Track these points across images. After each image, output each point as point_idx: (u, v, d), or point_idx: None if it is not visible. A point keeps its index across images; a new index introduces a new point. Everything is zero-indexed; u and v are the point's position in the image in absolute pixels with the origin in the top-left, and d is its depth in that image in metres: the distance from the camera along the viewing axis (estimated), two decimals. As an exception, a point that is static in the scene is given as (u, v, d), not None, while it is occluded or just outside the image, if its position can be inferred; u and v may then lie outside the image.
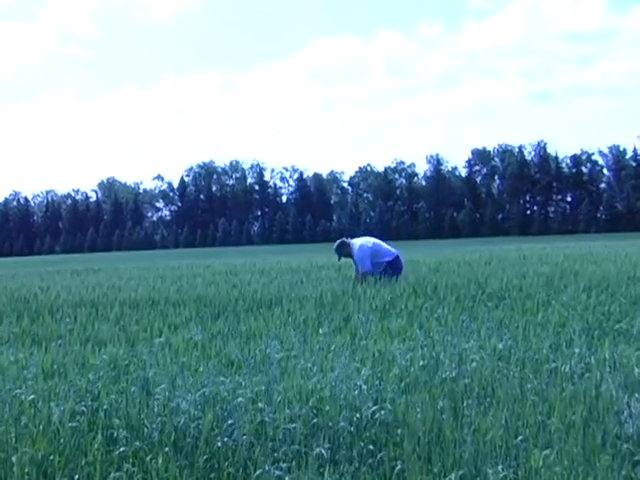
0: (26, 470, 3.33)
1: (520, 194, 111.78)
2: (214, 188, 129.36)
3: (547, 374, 4.50)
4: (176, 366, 5.10)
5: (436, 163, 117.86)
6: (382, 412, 3.79)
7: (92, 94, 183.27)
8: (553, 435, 3.45)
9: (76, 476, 3.30)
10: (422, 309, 7.49)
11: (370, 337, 6.01)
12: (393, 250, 10.99)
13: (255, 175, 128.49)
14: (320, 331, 6.40)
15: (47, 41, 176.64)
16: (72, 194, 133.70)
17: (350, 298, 8.60)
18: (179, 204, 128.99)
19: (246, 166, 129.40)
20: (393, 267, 10.65)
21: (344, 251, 11.01)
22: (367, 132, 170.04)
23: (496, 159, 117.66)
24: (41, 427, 3.73)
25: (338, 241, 11.28)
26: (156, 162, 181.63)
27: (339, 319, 7.04)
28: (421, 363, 4.83)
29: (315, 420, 3.74)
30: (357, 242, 10.88)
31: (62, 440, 3.58)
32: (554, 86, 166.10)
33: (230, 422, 3.71)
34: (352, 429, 3.63)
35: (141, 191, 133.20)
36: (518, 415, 3.71)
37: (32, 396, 4.29)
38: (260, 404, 3.97)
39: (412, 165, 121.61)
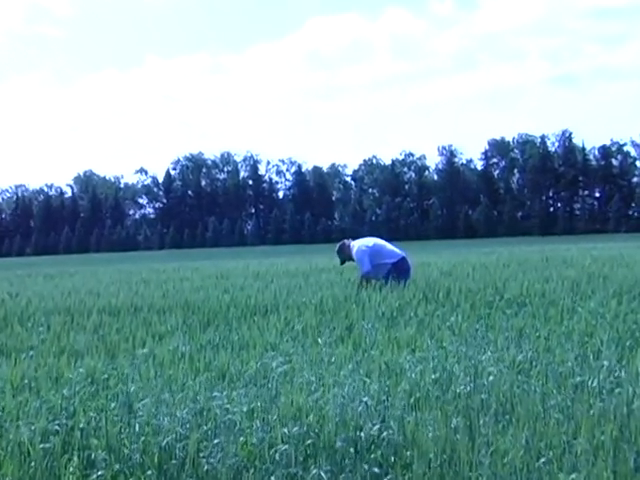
0: (-7, 496, 3.32)
1: (542, 189, 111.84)
2: (203, 183, 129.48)
3: (572, 389, 4.49)
4: (161, 380, 5.10)
5: (449, 155, 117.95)
6: (389, 431, 3.79)
7: (66, 78, 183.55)
8: (580, 457, 3.44)
9: (49, 502, 3.29)
10: (433, 317, 7.50)
11: (376, 348, 6.02)
12: (398, 251, 11.01)
13: (249, 168, 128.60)
14: (320, 341, 6.40)
15: (14, 19, 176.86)
16: (45, 189, 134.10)
17: (354, 304, 8.61)
18: (164, 200, 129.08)
19: (239, 158, 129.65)
20: (399, 270, 10.67)
21: (345, 254, 11.06)
22: (372, 121, 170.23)
23: (515, 151, 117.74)
24: (9, 449, 3.73)
25: (339, 243, 11.34)
26: (139, 154, 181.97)
27: (341, 328, 7.04)
28: (433, 376, 4.83)
29: (314, 440, 3.74)
30: (357, 243, 10.93)
31: (33, 463, 3.57)
32: (580, 69, 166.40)
33: (220, 441, 3.70)
34: (355, 449, 3.62)
35: (122, 186, 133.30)
36: (540, 435, 3.71)
37: None
38: (254, 422, 3.97)
39: (422, 157, 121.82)
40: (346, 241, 11.23)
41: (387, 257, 10.82)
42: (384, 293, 9.36)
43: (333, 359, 5.58)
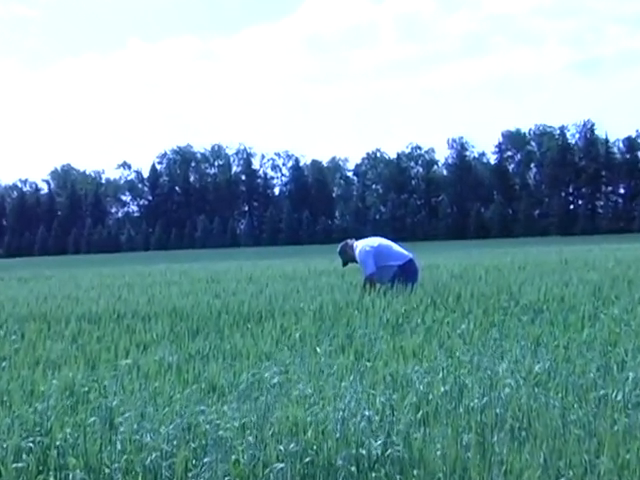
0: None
1: (561, 185, 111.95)
2: (192, 178, 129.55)
3: (594, 403, 4.49)
4: (146, 393, 5.11)
5: (459, 148, 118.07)
6: (394, 448, 3.79)
7: (42, 63, 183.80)
8: (603, 477, 3.44)
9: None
10: (443, 324, 7.51)
11: (380, 357, 6.02)
12: (405, 252, 11.02)
13: (241, 163, 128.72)
14: (319, 350, 6.41)
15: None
16: (18, 185, 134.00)
17: (356, 310, 8.61)
18: (149, 197, 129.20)
19: (230, 152, 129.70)
20: (406, 273, 10.67)
21: (348, 256, 11.08)
22: (376, 111, 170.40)
23: (532, 143, 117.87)
24: (-20, 468, 3.72)
25: (341, 244, 11.36)
26: (121, 146, 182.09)
27: (342, 336, 7.05)
28: (442, 389, 4.84)
29: (313, 457, 3.73)
30: (360, 244, 10.94)
31: (6, 483, 3.57)
32: (604, 54, 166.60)
33: (209, 460, 3.70)
34: (357, 468, 3.62)
35: (103, 182, 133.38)
36: (559, 453, 3.71)
37: (-31, 430, 4.28)
38: (247, 438, 3.97)
39: (430, 151, 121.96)
40: (349, 241, 11.25)
41: (393, 259, 10.83)
42: (389, 298, 9.36)
43: (333, 370, 5.58)
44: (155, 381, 5.51)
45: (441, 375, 5.20)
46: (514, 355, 5.84)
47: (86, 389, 5.29)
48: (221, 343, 7.04)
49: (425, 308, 8.55)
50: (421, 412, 4.41)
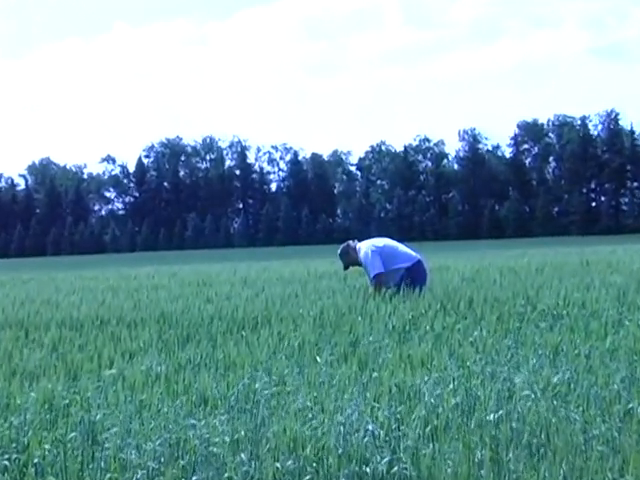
0: None
1: (583, 181, 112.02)
2: (182, 173, 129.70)
3: (619, 417, 4.49)
4: (131, 406, 5.11)
5: (472, 140, 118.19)
6: (401, 465, 3.79)
7: (20, 49, 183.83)
8: (627, 497, 3.43)
9: None
10: (453, 331, 7.51)
11: (385, 367, 6.03)
12: (413, 254, 11.01)
13: (235, 156, 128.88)
14: (320, 360, 6.41)
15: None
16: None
17: (359, 316, 8.61)
18: (136, 194, 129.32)
19: (224, 144, 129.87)
20: (413, 276, 10.66)
21: (350, 258, 11.05)
22: (381, 101, 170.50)
23: (551, 135, 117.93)
24: (-49, 487, 3.72)
25: (342, 245, 11.33)
26: (105, 139, 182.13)
27: (345, 344, 7.05)
28: (453, 401, 4.84)
29: (312, 475, 3.73)
30: (364, 245, 10.91)
31: (-21, 503, 3.57)
32: (628, 37, 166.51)
33: (200, 478, 3.70)
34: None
35: (85, 177, 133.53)
36: (581, 471, 3.70)
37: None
38: (240, 454, 3.96)
39: (440, 143, 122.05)
40: (351, 242, 11.22)
41: (400, 261, 10.82)
42: (395, 303, 9.36)
43: (335, 381, 5.59)
44: (142, 393, 5.52)
45: (452, 386, 5.20)
46: (531, 365, 5.84)
47: (67, 402, 5.28)
48: (213, 352, 7.04)
49: (434, 314, 8.54)
50: (430, 426, 4.41)
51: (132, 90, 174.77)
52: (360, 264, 11.01)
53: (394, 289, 10.31)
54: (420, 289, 10.34)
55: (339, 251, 11.31)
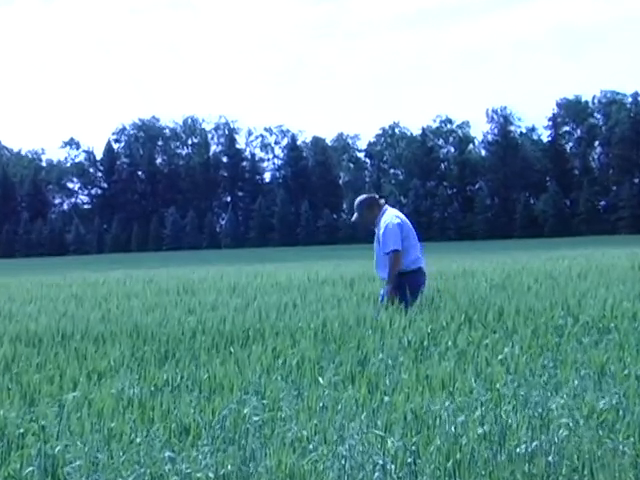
0: None
1: (634, 169, 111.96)
2: (159, 160, 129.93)
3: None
4: (99, 435, 5.11)
5: (502, 122, 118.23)
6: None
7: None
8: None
9: None
10: (480, 347, 7.53)
11: (399, 390, 6.03)
12: (420, 255, 10.97)
13: (222, 141, 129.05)
14: (322, 381, 6.42)
15: None
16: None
17: (369, 330, 8.61)
18: (104, 185, 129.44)
19: (208, 126, 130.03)
20: (412, 283, 10.53)
21: (370, 215, 10.77)
22: (394, 75, 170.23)
23: (597, 115, 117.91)
24: None
25: (368, 195, 11.12)
26: (67, 120, 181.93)
27: (352, 362, 7.06)
28: (479, 431, 4.85)
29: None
30: (390, 212, 10.79)
31: None
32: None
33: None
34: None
35: (44, 164, 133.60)
36: (630, 512, 3.70)
37: None
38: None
39: (465, 125, 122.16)
40: (379, 199, 11.04)
41: (415, 258, 10.81)
42: (410, 314, 9.36)
43: (339, 406, 5.59)
44: (111, 420, 5.52)
45: (478, 413, 5.20)
46: (572, 387, 5.84)
47: (21, 431, 5.29)
48: (196, 372, 7.05)
49: (458, 327, 8.55)
50: (452, 460, 4.41)
51: (99, 63, 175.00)
52: (374, 227, 10.82)
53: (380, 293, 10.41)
54: (412, 301, 10.20)
55: (361, 199, 10.96)
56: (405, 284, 10.36)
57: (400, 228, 10.59)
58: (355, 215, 11.00)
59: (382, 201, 10.98)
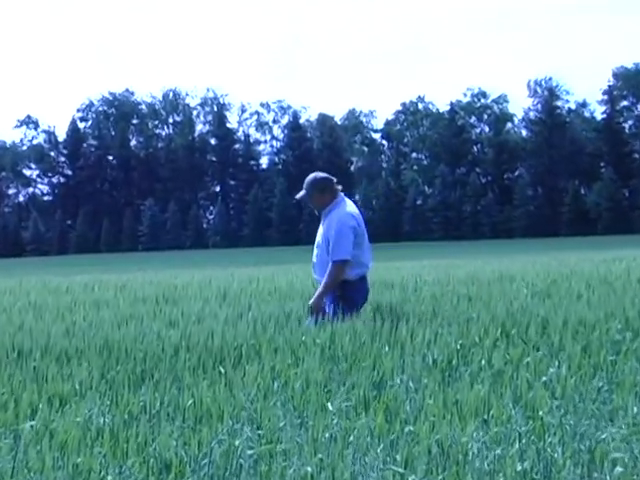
0: None
1: None
2: (134, 142, 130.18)
3: None
4: (62, 472, 5.12)
5: (547, 95, 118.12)
6: None
7: None
8: None
9: None
10: (520, 367, 7.53)
11: (423, 418, 6.03)
12: (369, 263, 11.23)
13: (210, 119, 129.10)
14: (331, 407, 6.42)
15: None
16: None
17: (386, 346, 8.62)
18: (68, 172, 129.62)
19: (193, 102, 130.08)
20: (356, 293, 10.85)
21: (322, 200, 10.99)
22: (416, 39, 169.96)
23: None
24: None
25: (325, 175, 11.23)
26: (24, 94, 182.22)
27: (366, 385, 7.06)
28: (518, 467, 4.85)
29: None
30: (345, 207, 10.98)
31: None
32: None
33: None
34: None
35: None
36: None
37: None
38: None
39: (501, 100, 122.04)
40: (336, 184, 11.18)
41: (366, 255, 11.05)
42: (435, 327, 9.38)
43: (351, 437, 5.59)
44: (77, 455, 5.52)
45: (517, 446, 5.21)
46: (630, 415, 5.85)
47: (-30, 466, 5.30)
48: (179, 396, 7.05)
49: (492, 343, 8.56)
50: (486, 502, 4.42)
51: (61, 28, 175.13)
52: (318, 213, 11.04)
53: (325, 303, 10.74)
54: (348, 311, 10.43)
55: (314, 178, 11.08)
56: (351, 295, 10.79)
57: (354, 232, 10.75)
58: (302, 192, 11.23)
59: (339, 187, 11.12)
